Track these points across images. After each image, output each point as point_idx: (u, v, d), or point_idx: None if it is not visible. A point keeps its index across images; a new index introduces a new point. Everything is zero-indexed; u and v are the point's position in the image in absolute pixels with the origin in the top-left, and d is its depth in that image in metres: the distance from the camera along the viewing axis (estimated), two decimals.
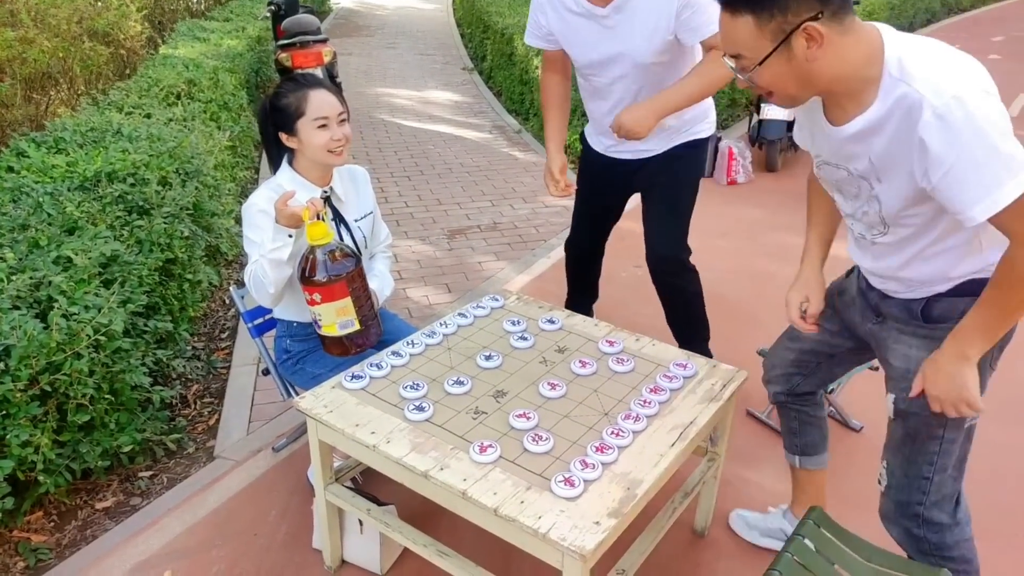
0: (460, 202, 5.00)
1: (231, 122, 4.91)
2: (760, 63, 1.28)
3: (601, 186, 2.72)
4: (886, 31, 1.29)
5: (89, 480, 2.32)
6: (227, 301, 3.55)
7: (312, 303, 1.87)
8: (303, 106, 1.97)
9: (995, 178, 1.17)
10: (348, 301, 1.86)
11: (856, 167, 1.40)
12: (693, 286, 2.68)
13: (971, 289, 1.39)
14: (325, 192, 2.09)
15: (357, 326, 1.90)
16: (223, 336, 3.28)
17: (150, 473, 2.43)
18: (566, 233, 4.53)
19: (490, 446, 1.62)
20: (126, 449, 2.20)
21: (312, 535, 2.07)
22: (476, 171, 5.65)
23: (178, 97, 4.60)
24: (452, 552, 1.73)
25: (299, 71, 2.10)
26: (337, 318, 1.87)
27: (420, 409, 1.75)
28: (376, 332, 1.99)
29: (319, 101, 1.99)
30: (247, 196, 4.79)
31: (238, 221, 4.26)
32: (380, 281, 2.26)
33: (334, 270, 1.84)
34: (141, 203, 2.85)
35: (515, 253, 4.22)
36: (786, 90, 1.33)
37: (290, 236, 1.89)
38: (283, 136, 2.01)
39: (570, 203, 4.99)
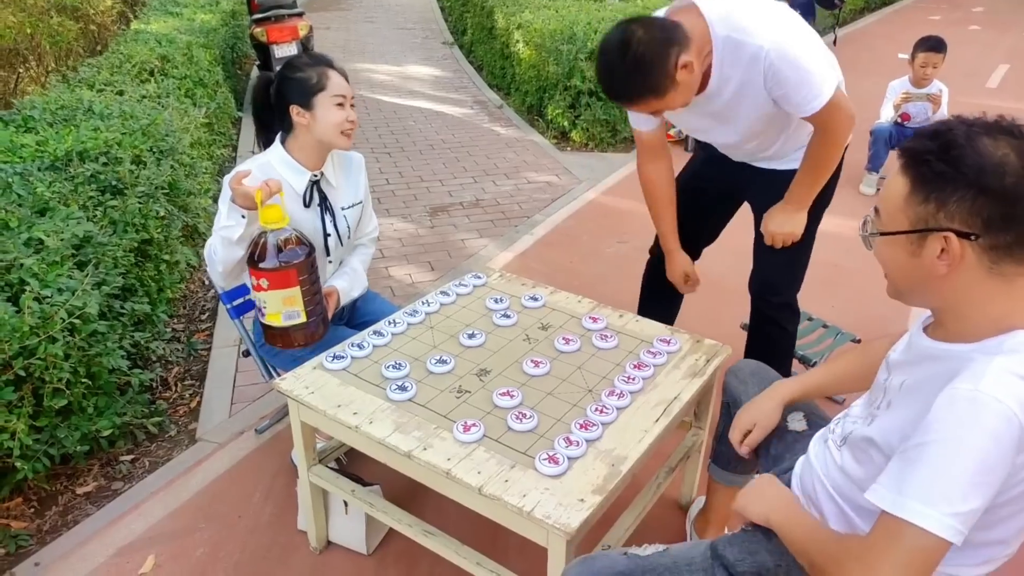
0: (442, 179, 4.95)
1: (207, 99, 4.81)
2: (886, 233, 1.12)
3: (709, 173, 2.36)
4: None
5: (69, 465, 2.29)
6: (206, 282, 3.50)
7: (258, 288, 1.80)
8: (324, 81, 1.93)
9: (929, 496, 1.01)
10: (296, 291, 1.79)
11: None
12: (790, 326, 2.39)
13: None
14: (315, 176, 2.05)
15: (303, 318, 1.84)
16: (203, 318, 3.24)
17: (131, 457, 2.40)
18: (549, 209, 4.52)
19: (474, 425, 1.61)
20: (106, 433, 2.17)
21: (297, 516, 2.06)
22: (458, 147, 5.59)
23: (151, 74, 4.49)
24: (438, 531, 1.72)
25: (295, 55, 2.02)
26: (283, 307, 1.81)
27: (403, 389, 1.73)
28: (323, 330, 1.93)
29: (338, 79, 1.96)
30: (225, 175, 4.74)
31: (216, 200, 4.19)
32: (350, 280, 2.19)
33: (285, 257, 1.77)
34: (114, 183, 2.79)
35: (498, 230, 4.19)
36: (894, 280, 1.17)
37: (243, 217, 1.82)
38: (295, 109, 1.95)
39: (554, 179, 4.97)
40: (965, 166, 1.00)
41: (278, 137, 2.04)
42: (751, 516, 1.34)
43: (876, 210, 1.15)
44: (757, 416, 1.61)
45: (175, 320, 3.16)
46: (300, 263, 1.78)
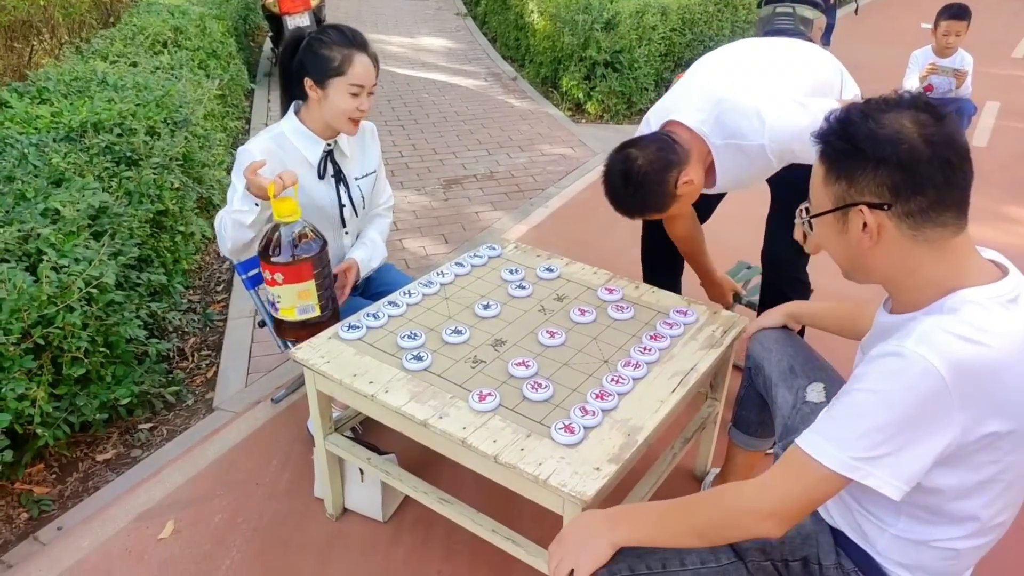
0: (456, 151, 4.92)
1: (220, 70, 4.80)
2: (813, 216, 1.17)
3: None
4: (992, 293, 1.06)
5: (89, 433, 2.32)
6: (221, 254, 3.51)
7: (272, 283, 1.78)
8: (346, 67, 1.88)
9: (838, 439, 1.07)
10: (311, 284, 1.78)
11: None
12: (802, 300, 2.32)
13: None
14: (329, 146, 2.03)
15: (317, 312, 1.84)
16: (218, 289, 3.25)
17: (150, 425, 2.43)
18: (564, 181, 4.49)
19: (489, 394, 1.61)
20: (124, 402, 2.19)
21: (313, 484, 2.08)
22: (471, 119, 5.55)
23: (164, 45, 4.48)
24: (453, 499, 1.73)
25: (331, 25, 1.98)
26: (297, 301, 1.80)
27: (418, 359, 1.73)
28: (335, 322, 1.92)
29: (362, 68, 1.90)
30: (238, 147, 4.73)
31: (230, 172, 4.20)
32: (369, 251, 2.18)
33: (299, 251, 1.75)
34: (129, 154, 2.79)
35: (512, 203, 4.17)
36: (837, 261, 1.20)
37: (256, 205, 1.81)
38: (308, 83, 1.92)
39: (569, 152, 4.93)
40: (860, 140, 1.04)
41: (292, 106, 2.02)
42: (593, 566, 1.20)
43: (809, 196, 1.19)
44: (764, 320, 1.77)
45: (191, 291, 3.18)
46: (314, 256, 1.77)
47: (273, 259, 1.75)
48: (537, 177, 4.53)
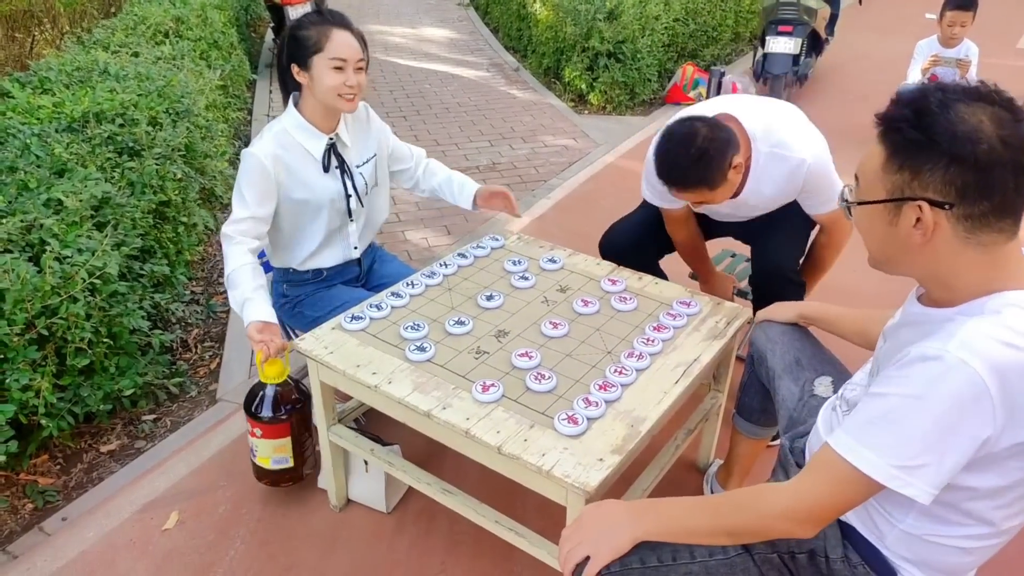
0: (458, 143, 4.91)
1: (222, 61, 4.78)
2: (862, 203, 1.11)
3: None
4: None
5: (93, 424, 2.33)
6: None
7: (252, 434, 1.90)
8: (322, 42, 1.88)
9: (879, 446, 1.04)
10: (287, 441, 1.89)
11: None
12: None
13: None
14: (331, 139, 2.03)
15: (290, 463, 1.93)
16: (221, 280, 3.25)
17: (153, 417, 2.43)
18: (567, 173, 4.48)
19: (492, 385, 1.61)
20: (127, 393, 2.20)
21: (317, 474, 2.09)
22: (474, 111, 5.54)
23: (166, 35, 4.46)
24: (456, 490, 1.74)
25: (317, 8, 1.99)
26: (273, 454, 1.91)
27: (421, 349, 1.73)
28: (308, 471, 2.01)
29: (340, 41, 1.89)
30: (240, 138, 4.73)
31: (232, 163, 4.19)
32: (457, 180, 2.34)
33: (281, 411, 1.87)
34: (131, 144, 2.78)
35: (515, 194, 4.12)
36: (873, 250, 1.16)
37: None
38: (294, 68, 1.93)
39: (571, 143, 4.91)
40: (937, 133, 0.98)
41: (291, 99, 2.02)
42: (611, 556, 1.18)
43: (856, 178, 1.13)
44: (775, 312, 1.75)
45: (194, 282, 3.18)
46: (295, 416, 1.89)
47: (254, 415, 1.87)
48: (540, 168, 4.52)
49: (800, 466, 1.42)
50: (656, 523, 1.19)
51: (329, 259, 2.17)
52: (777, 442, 1.69)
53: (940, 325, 1.05)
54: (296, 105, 2.00)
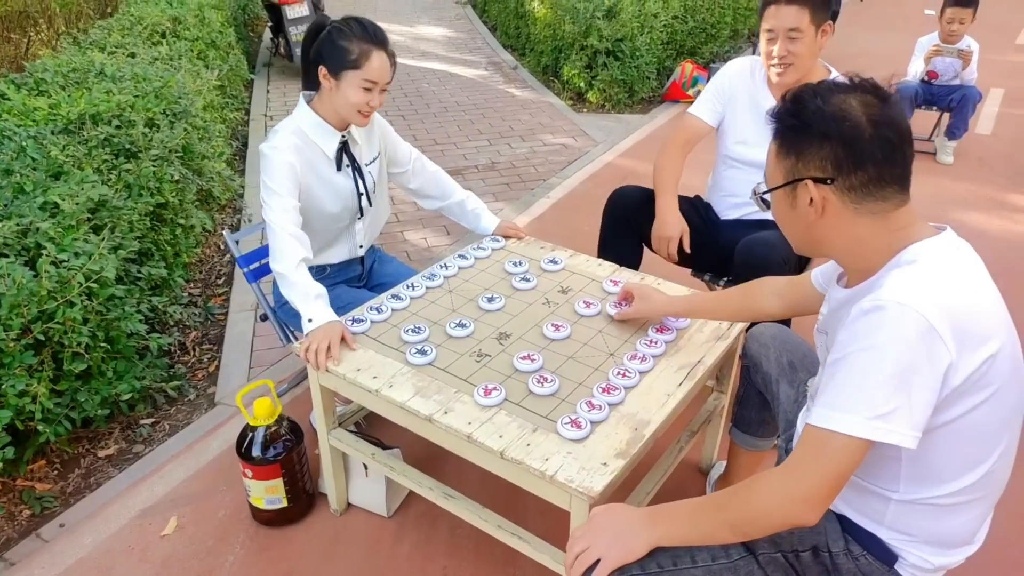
0: (456, 142, 4.89)
1: (219, 61, 4.76)
2: (765, 192, 1.24)
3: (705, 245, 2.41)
4: (940, 242, 1.12)
5: (90, 429, 2.31)
6: (221, 247, 3.49)
7: (244, 474, 1.89)
8: (361, 61, 1.87)
9: (850, 404, 1.05)
10: (279, 482, 1.88)
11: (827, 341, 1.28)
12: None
13: None
14: (343, 137, 2.01)
15: (284, 503, 1.92)
16: (219, 282, 3.23)
17: (151, 421, 2.41)
18: (566, 172, 4.45)
19: (494, 389, 1.59)
20: (125, 397, 2.17)
21: (317, 479, 2.07)
22: (472, 109, 5.51)
23: (163, 36, 4.43)
24: (458, 494, 1.72)
25: (354, 17, 1.96)
26: (265, 494, 1.90)
27: (422, 353, 1.71)
28: (305, 508, 2.00)
29: (379, 65, 1.89)
30: (238, 138, 4.70)
31: (230, 165, 4.17)
32: (471, 208, 2.31)
33: (271, 452, 1.86)
34: (128, 146, 2.76)
35: (514, 193, 4.14)
36: (788, 235, 1.27)
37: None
38: (322, 71, 1.91)
39: (570, 141, 4.89)
40: (810, 117, 1.12)
41: (303, 96, 2.00)
42: (623, 561, 1.18)
43: (765, 174, 1.24)
44: (647, 297, 1.79)
45: (192, 284, 3.16)
46: (285, 458, 1.87)
47: (244, 457, 1.86)
48: (539, 167, 4.50)
49: None
50: (669, 527, 1.19)
51: (336, 256, 2.17)
52: (777, 443, 1.67)
53: (868, 287, 1.13)
54: (309, 103, 1.99)
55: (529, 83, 6.13)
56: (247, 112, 5.27)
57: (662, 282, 2.06)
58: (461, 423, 1.53)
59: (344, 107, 1.92)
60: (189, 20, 4.67)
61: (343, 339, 1.75)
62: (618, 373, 1.65)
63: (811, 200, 1.14)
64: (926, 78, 4.39)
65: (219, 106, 4.27)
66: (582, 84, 5.63)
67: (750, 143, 2.32)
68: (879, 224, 1.13)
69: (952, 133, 4.40)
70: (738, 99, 2.33)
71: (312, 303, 1.80)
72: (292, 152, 1.91)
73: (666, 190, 2.33)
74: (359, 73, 1.87)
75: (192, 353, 2.77)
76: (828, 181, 1.12)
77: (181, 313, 2.84)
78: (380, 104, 1.95)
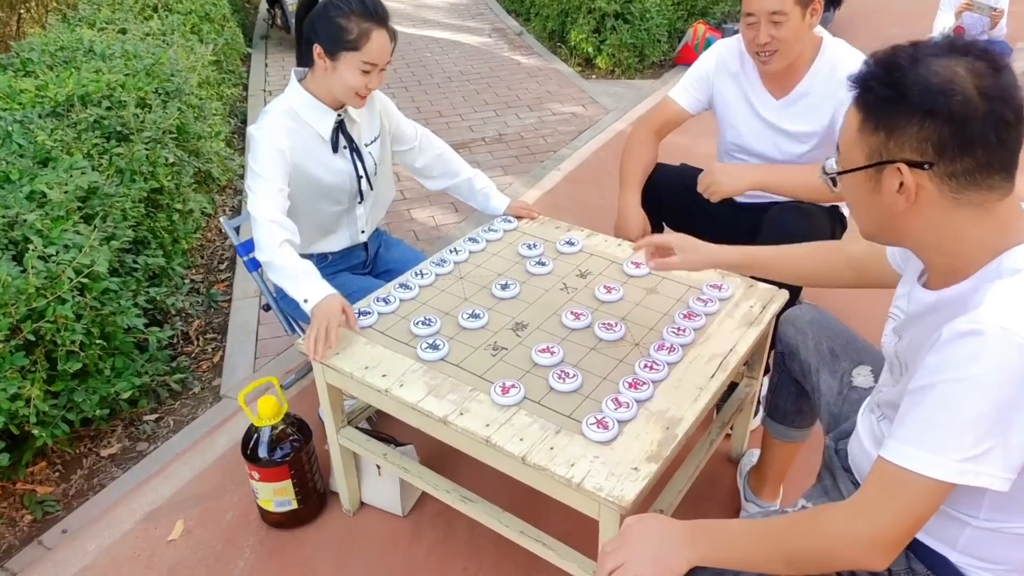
0: (462, 113, 4.72)
1: (214, 34, 4.60)
2: (842, 172, 1.04)
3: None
4: None
5: (92, 427, 2.22)
6: (223, 230, 3.37)
7: (250, 477, 1.81)
8: (361, 42, 1.72)
9: (936, 444, 0.92)
10: (288, 483, 1.79)
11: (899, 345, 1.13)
12: None
13: None
14: (339, 116, 1.88)
15: (294, 505, 1.84)
16: (221, 267, 3.12)
17: (155, 416, 2.32)
18: (576, 142, 4.30)
19: (513, 386, 1.48)
20: (125, 395, 2.08)
21: (328, 477, 1.98)
22: (477, 79, 5.33)
23: (154, 9, 4.28)
24: (477, 497, 1.62)
25: None
26: (274, 496, 1.81)
27: (434, 347, 1.60)
28: (316, 508, 1.92)
29: (379, 46, 1.74)
30: (236, 115, 4.55)
31: (229, 144, 4.03)
32: (480, 186, 2.18)
33: (278, 454, 1.76)
34: (119, 128, 2.64)
35: (523, 166, 3.99)
36: (862, 222, 1.08)
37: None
38: (317, 50, 1.76)
39: (580, 110, 4.72)
40: (908, 88, 0.92)
41: (294, 74, 1.86)
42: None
43: (838, 147, 1.06)
44: (689, 248, 1.54)
45: (193, 270, 3.05)
46: (293, 458, 1.77)
47: (250, 459, 1.77)
48: (548, 138, 4.34)
49: (848, 470, 1.29)
50: (712, 546, 1.08)
51: (336, 243, 2.05)
52: (825, 443, 1.54)
53: (962, 300, 0.97)
54: (300, 81, 1.85)
55: (535, 49, 5.93)
56: (245, 88, 5.11)
57: None
58: (478, 425, 1.42)
59: (340, 89, 1.79)
60: None
61: (345, 313, 1.64)
62: (645, 366, 1.54)
63: (900, 185, 0.95)
64: (952, 34, 4.18)
65: (215, 82, 4.13)
66: (590, 49, 5.43)
67: (750, 148, 2.16)
68: (980, 217, 0.95)
69: None
70: (727, 93, 2.14)
71: (302, 283, 1.68)
72: (283, 134, 1.78)
73: (629, 184, 2.18)
74: (358, 55, 1.73)
75: (196, 343, 2.68)
76: (926, 166, 0.93)
77: (183, 300, 2.73)
78: (379, 84, 1.82)
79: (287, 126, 1.79)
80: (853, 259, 1.40)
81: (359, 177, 1.95)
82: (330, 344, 1.59)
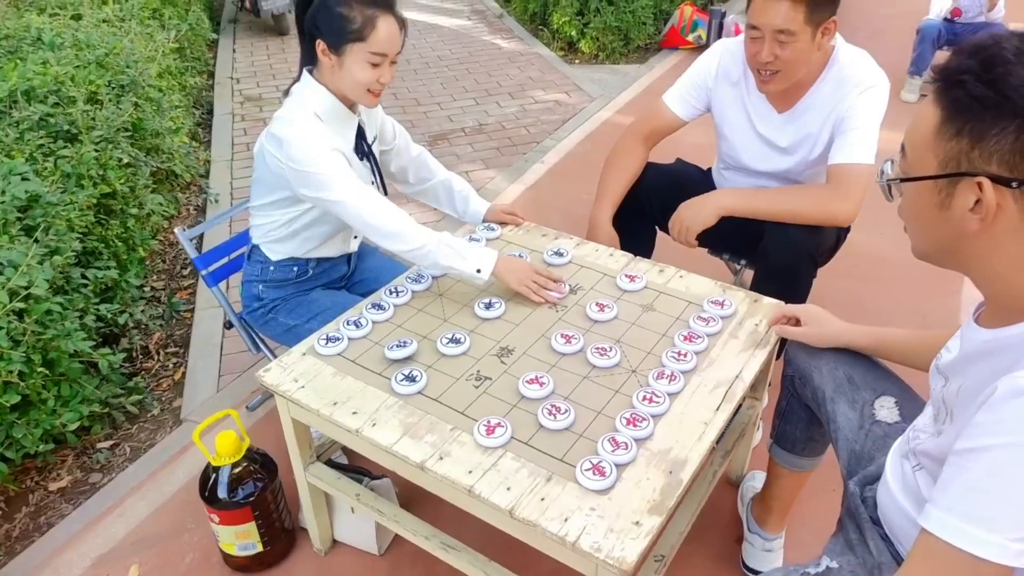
0: (440, 102, 4.52)
1: (177, 19, 4.35)
2: (906, 179, 0.90)
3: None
4: None
5: (38, 459, 2.03)
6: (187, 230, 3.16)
7: (210, 520, 1.65)
8: (367, 30, 1.55)
9: (987, 519, 0.79)
10: (251, 526, 1.64)
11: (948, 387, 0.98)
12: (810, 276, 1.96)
13: None
14: (360, 119, 1.74)
15: (260, 548, 1.68)
16: (184, 273, 2.92)
17: (110, 443, 2.14)
18: (560, 132, 4.12)
19: (498, 425, 1.33)
20: (73, 426, 1.89)
21: (298, 512, 1.82)
22: (456, 64, 5.13)
23: None
24: (460, 545, 1.47)
25: None
26: (236, 540, 1.66)
27: (411, 379, 1.44)
28: (284, 549, 1.76)
29: (387, 33, 1.57)
30: (201, 105, 4.32)
31: (194, 137, 3.81)
32: (459, 190, 2.02)
33: (240, 492, 1.61)
34: (66, 127, 2.42)
35: (505, 159, 3.81)
36: (918, 239, 0.94)
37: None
38: (320, 46, 1.59)
39: (563, 97, 4.54)
40: (1010, 88, 0.77)
41: (306, 74, 1.67)
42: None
43: (902, 148, 0.90)
44: (818, 321, 1.45)
45: (154, 277, 2.85)
46: (256, 498, 1.62)
47: (209, 501, 1.61)
48: (530, 128, 4.16)
49: (876, 522, 1.15)
50: None
51: (328, 250, 1.89)
52: (849, 487, 1.38)
53: (1021, 346, 0.84)
54: (317, 77, 1.67)
55: (516, 33, 5.72)
56: (211, 76, 4.87)
57: (684, 273, 1.79)
58: (460, 471, 1.27)
59: (351, 87, 1.62)
60: None
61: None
62: (643, 398, 1.39)
63: (976, 203, 0.82)
64: (949, 16, 4.04)
65: (178, 71, 3.89)
66: (573, 33, 5.24)
67: (739, 160, 2.03)
68: None
69: None
70: (725, 102, 1.99)
71: (466, 253, 1.65)
72: (327, 136, 1.61)
73: (604, 198, 2.05)
74: (364, 46, 1.56)
75: (156, 357, 2.49)
76: (1014, 184, 0.79)
77: (142, 311, 2.54)
78: (391, 78, 1.65)
79: (322, 129, 1.62)
80: None
81: (372, 182, 1.79)
82: (558, 287, 1.66)
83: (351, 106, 1.71)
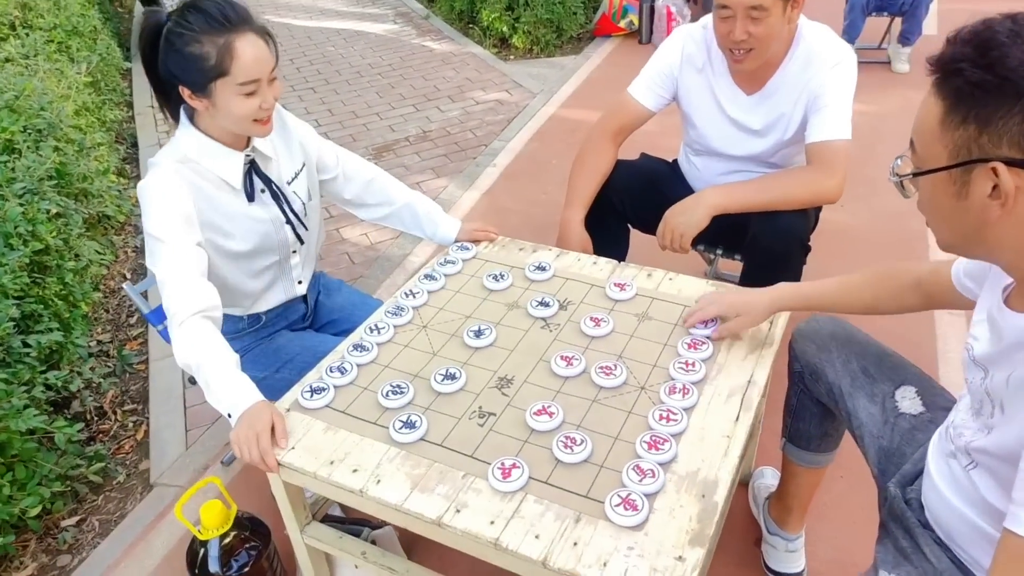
0: (379, 112, 4.37)
1: (86, 51, 4.08)
2: (919, 174, 0.88)
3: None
4: None
5: None
6: (128, 275, 2.97)
7: None
8: (226, 63, 1.36)
9: None
10: None
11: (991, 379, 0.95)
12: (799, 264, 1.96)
13: None
14: (248, 156, 1.56)
15: None
16: (131, 321, 2.73)
17: (75, 519, 1.97)
18: (507, 133, 4.04)
19: (514, 466, 1.24)
20: (34, 513, 1.72)
21: (295, 571, 1.69)
22: (389, 71, 4.98)
23: (12, 27, 3.74)
24: None
25: (188, 4, 1.42)
26: None
27: (410, 426, 1.34)
28: None
29: (250, 57, 1.38)
30: (125, 139, 4.07)
31: (121, 174, 3.58)
32: (424, 211, 1.88)
33: (233, 566, 1.48)
34: None
35: (455, 165, 3.71)
36: (942, 233, 0.92)
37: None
38: (184, 92, 1.42)
39: (505, 96, 4.45)
40: (1009, 70, 0.77)
41: (183, 112, 1.52)
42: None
43: (911, 143, 0.89)
44: (743, 309, 1.45)
45: (99, 329, 2.66)
46: (252, 568, 1.50)
47: None
48: (476, 131, 4.06)
49: (925, 525, 1.11)
50: None
51: (271, 300, 1.73)
52: (889, 490, 1.33)
53: None
54: (193, 119, 1.51)
55: (446, 33, 5.60)
56: (130, 107, 4.60)
57: (673, 275, 1.73)
58: (481, 523, 1.18)
59: (234, 123, 1.46)
60: (41, 5, 3.96)
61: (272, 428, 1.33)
62: (660, 417, 1.32)
63: (994, 189, 0.80)
64: None
65: (95, 107, 3.65)
66: (504, 28, 5.15)
67: (710, 146, 2.00)
68: None
69: (906, 39, 4.17)
70: (692, 89, 1.95)
71: (226, 388, 1.37)
72: (184, 192, 1.45)
73: (574, 201, 1.99)
74: (230, 79, 1.38)
75: (113, 417, 2.31)
76: None
77: (92, 371, 2.35)
78: (277, 96, 1.48)
79: (187, 180, 1.46)
80: (918, 281, 1.23)
81: (287, 223, 1.64)
82: (269, 465, 1.31)
83: (245, 145, 1.54)
